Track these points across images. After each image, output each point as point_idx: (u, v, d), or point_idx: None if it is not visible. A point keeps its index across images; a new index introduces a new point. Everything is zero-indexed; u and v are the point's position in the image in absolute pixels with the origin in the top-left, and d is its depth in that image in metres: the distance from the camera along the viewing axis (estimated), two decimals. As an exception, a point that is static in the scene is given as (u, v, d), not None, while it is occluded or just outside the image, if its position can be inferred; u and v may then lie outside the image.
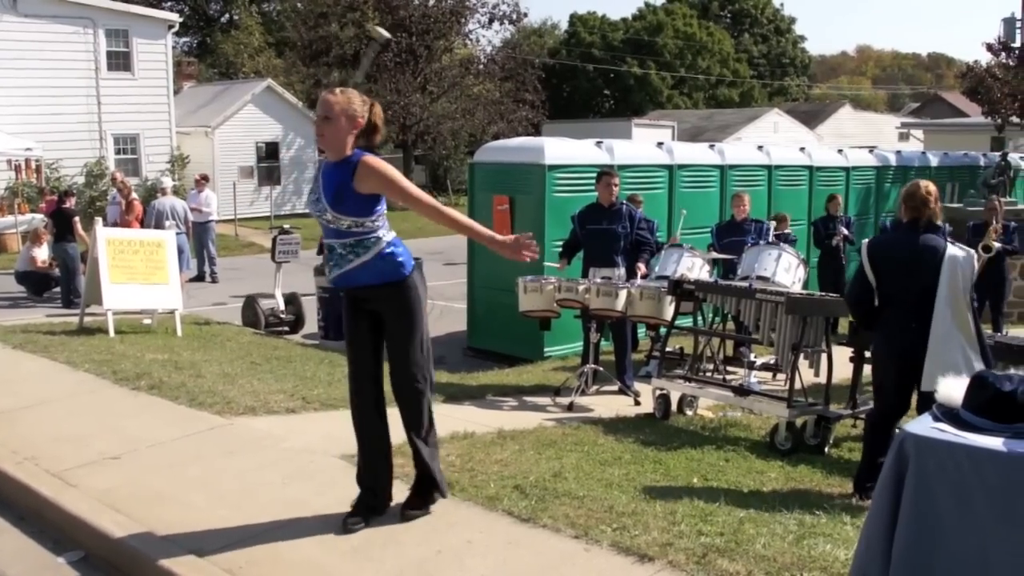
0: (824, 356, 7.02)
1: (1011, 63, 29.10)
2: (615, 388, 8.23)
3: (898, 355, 5.37)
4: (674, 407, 7.46)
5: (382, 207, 4.40)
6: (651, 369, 8.61)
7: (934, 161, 17.76)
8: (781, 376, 8.21)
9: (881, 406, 5.55)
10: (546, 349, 10.15)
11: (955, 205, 15.29)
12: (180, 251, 13.10)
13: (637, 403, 7.88)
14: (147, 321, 10.62)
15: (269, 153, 29.79)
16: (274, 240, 12.59)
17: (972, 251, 5.51)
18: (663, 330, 8.36)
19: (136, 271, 10.33)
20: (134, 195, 15.46)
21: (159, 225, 14.25)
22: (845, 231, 11.83)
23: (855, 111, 49.62)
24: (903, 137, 40.60)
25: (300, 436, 6.06)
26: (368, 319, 4.49)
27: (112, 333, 9.80)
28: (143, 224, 14.46)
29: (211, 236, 17.07)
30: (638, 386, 8.21)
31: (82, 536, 4.66)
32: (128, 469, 5.44)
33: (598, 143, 11.35)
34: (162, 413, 6.67)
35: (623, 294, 7.85)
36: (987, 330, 6.40)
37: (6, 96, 22.11)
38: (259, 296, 12.29)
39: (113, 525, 4.56)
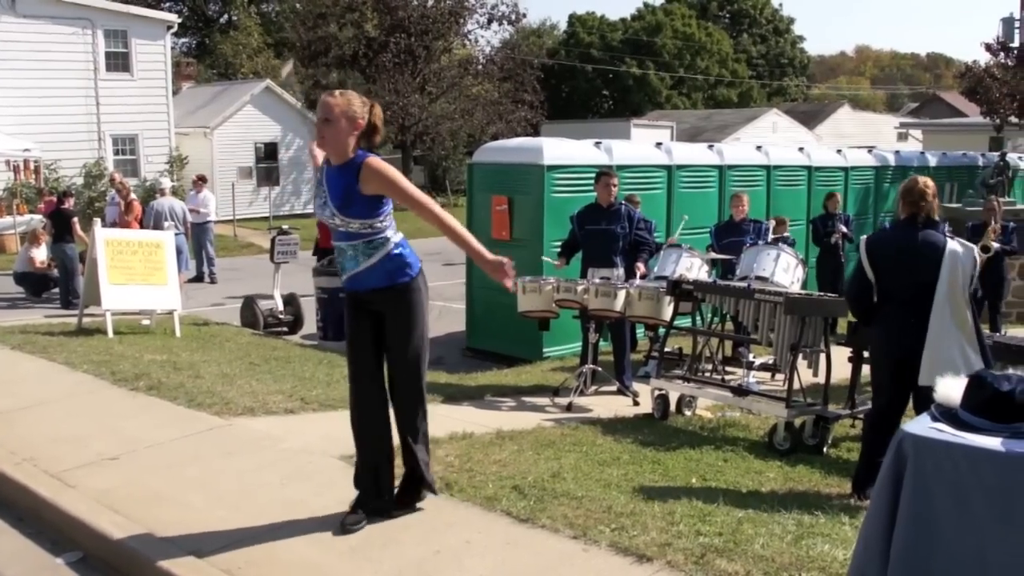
0: (823, 356, 7.03)
1: (1010, 63, 29.15)
2: (614, 388, 8.23)
3: (896, 351, 5.36)
4: (673, 407, 7.46)
5: (388, 207, 4.42)
6: (650, 369, 8.61)
7: (933, 161, 17.77)
8: (780, 376, 8.20)
9: (879, 404, 5.55)
10: (545, 349, 10.15)
11: (954, 205, 15.31)
12: (179, 252, 13.10)
13: (636, 403, 7.88)
14: (146, 322, 10.62)
15: (268, 154, 29.79)
16: (273, 241, 12.59)
17: (973, 245, 5.50)
18: (662, 330, 8.36)
19: (135, 272, 10.32)
20: (133, 196, 15.46)
21: (158, 226, 14.25)
22: (844, 229, 11.83)
23: (854, 111, 49.64)
24: (902, 137, 40.63)
25: (299, 437, 6.06)
26: (370, 319, 4.50)
27: (111, 334, 9.79)
28: (142, 225, 14.45)
29: (209, 237, 17.06)
30: (637, 386, 8.21)
31: (81, 537, 4.66)
32: (127, 470, 5.43)
33: (597, 143, 11.35)
34: (161, 414, 6.67)
35: (622, 294, 7.85)
36: (985, 330, 6.39)
37: (4, 97, 22.09)
38: (257, 297, 12.29)
39: (111, 526, 4.55)
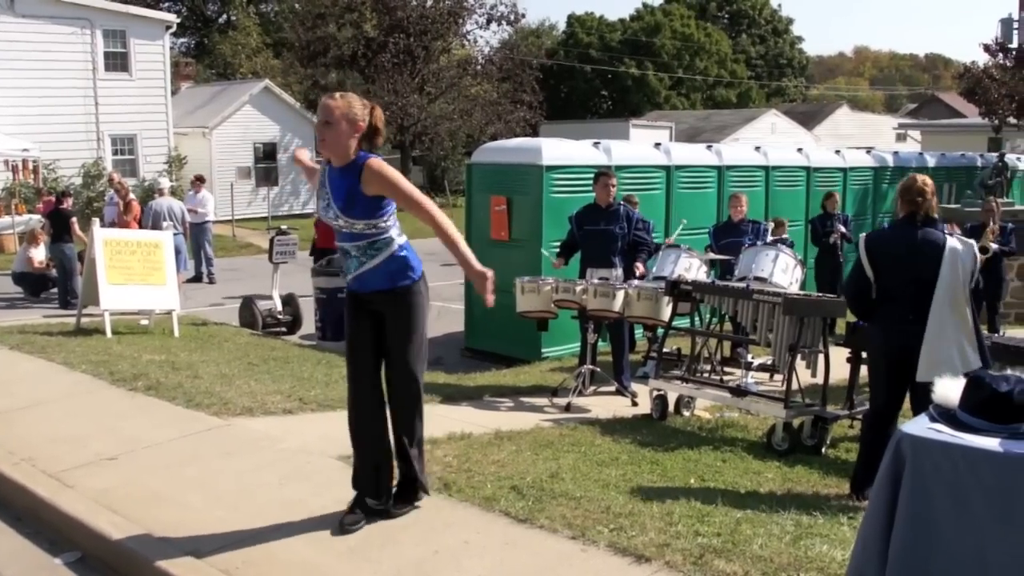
0: (821, 357, 7.03)
1: (1008, 64, 29.16)
2: (612, 389, 8.23)
3: (894, 349, 5.35)
4: (671, 408, 7.46)
5: (392, 206, 4.42)
6: (648, 370, 8.61)
7: (931, 162, 17.78)
8: (778, 377, 8.21)
9: (876, 404, 5.55)
10: (543, 350, 10.15)
11: (952, 206, 15.33)
12: (177, 252, 13.09)
13: (634, 404, 7.88)
14: (144, 322, 10.61)
15: (267, 154, 29.78)
16: (271, 241, 12.59)
17: (973, 242, 5.50)
18: (660, 331, 8.36)
19: (133, 272, 10.32)
20: (131, 196, 15.46)
21: (156, 226, 14.24)
22: (842, 229, 11.83)
23: (852, 112, 49.67)
24: (900, 138, 40.66)
25: (297, 437, 6.06)
26: (370, 319, 4.50)
27: (109, 334, 9.79)
28: (141, 225, 14.45)
29: (208, 237, 17.06)
30: (635, 387, 8.20)
31: (79, 537, 4.66)
32: (125, 470, 5.43)
33: (596, 144, 11.34)
34: (159, 414, 6.67)
35: (620, 295, 7.86)
36: (984, 331, 6.39)
37: (3, 97, 22.09)
38: (256, 297, 12.29)
39: (110, 526, 4.55)
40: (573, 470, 5.46)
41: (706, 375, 8.37)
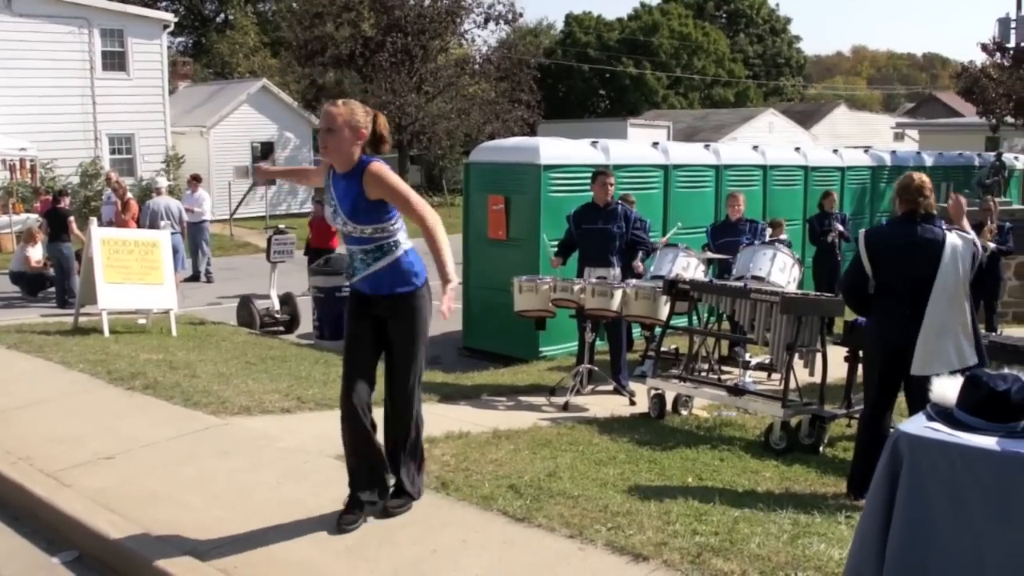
0: (819, 356, 7.03)
1: (1006, 63, 29.19)
2: (610, 388, 8.23)
3: (890, 343, 5.35)
4: (669, 407, 7.46)
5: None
6: (646, 369, 8.62)
7: (929, 161, 17.78)
8: (776, 376, 8.22)
9: (872, 402, 5.55)
10: (541, 349, 10.15)
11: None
12: (175, 251, 13.09)
13: (632, 403, 7.88)
14: (142, 321, 10.61)
15: (264, 153, 29.76)
16: (269, 240, 12.59)
17: (972, 235, 5.49)
18: (658, 330, 8.36)
19: (131, 271, 10.31)
20: (129, 195, 15.45)
21: (154, 225, 14.22)
22: (840, 228, 11.83)
23: (850, 111, 49.71)
24: (898, 137, 40.72)
25: (295, 436, 6.06)
26: (371, 320, 4.51)
27: (107, 333, 9.78)
28: (138, 224, 14.44)
29: (205, 236, 17.06)
30: (633, 386, 8.21)
31: (77, 536, 4.66)
32: (123, 469, 5.43)
33: (593, 143, 11.34)
34: (157, 413, 6.67)
35: (618, 294, 7.86)
36: (982, 330, 6.40)
37: (1, 96, 22.06)
38: (254, 296, 12.28)
39: (108, 525, 4.55)
40: (571, 469, 5.46)
41: (704, 374, 8.37)
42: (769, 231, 10.42)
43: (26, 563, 4.54)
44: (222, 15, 49.18)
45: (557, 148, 10.85)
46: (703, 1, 60.33)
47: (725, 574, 3.92)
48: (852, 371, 6.86)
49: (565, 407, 7.63)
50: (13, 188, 21.24)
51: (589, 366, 8.14)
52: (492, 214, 10.62)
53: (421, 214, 4.32)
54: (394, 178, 4.36)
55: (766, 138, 33.01)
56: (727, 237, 9.91)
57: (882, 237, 5.50)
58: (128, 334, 10.00)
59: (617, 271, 8.42)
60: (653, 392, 7.43)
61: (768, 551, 4.14)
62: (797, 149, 15.02)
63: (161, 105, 26.05)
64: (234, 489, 5.08)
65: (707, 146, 13.24)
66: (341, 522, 4.43)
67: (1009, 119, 30.02)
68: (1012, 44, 28.49)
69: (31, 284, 14.04)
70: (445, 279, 4.24)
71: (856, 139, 37.79)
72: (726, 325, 9.02)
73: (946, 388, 3.48)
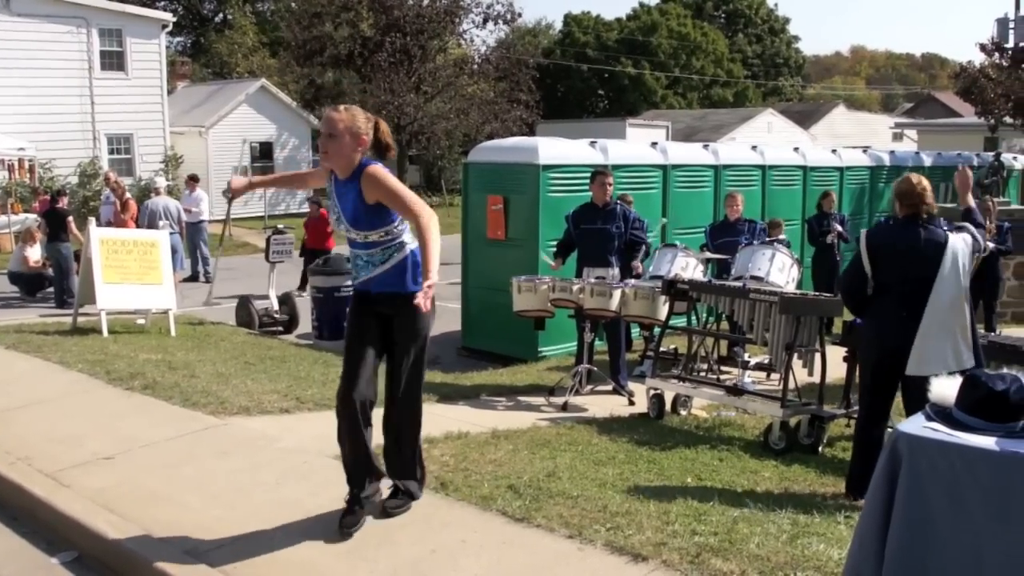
0: (818, 356, 7.03)
1: (1004, 63, 29.20)
2: (609, 388, 8.23)
3: (886, 343, 5.35)
4: (668, 407, 7.46)
5: None
6: (645, 369, 8.61)
7: (928, 161, 17.80)
8: (775, 376, 8.22)
9: (866, 400, 5.55)
10: (540, 349, 10.15)
11: (949, 205, 15.32)
12: (174, 251, 13.09)
13: (631, 403, 7.88)
14: (141, 321, 10.61)
15: (263, 153, 29.76)
16: (268, 240, 12.59)
17: (971, 232, 5.47)
18: (657, 330, 8.36)
19: (130, 271, 10.31)
20: (128, 195, 15.44)
21: (152, 225, 14.24)
22: (839, 228, 11.83)
23: (849, 111, 49.72)
24: (897, 137, 40.76)
25: (294, 436, 6.06)
26: (375, 319, 4.51)
27: (105, 333, 9.78)
28: (137, 224, 14.44)
29: (203, 236, 17.06)
30: (632, 386, 8.21)
31: (76, 536, 4.65)
32: (122, 469, 5.43)
33: (592, 143, 11.34)
34: (156, 413, 6.66)
35: (617, 294, 7.86)
36: (980, 330, 6.40)
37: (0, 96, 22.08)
38: (253, 296, 12.28)
39: (107, 525, 4.55)
40: (570, 469, 5.46)
41: (703, 374, 8.37)
42: (767, 230, 10.42)
43: (25, 563, 4.54)
44: (221, 15, 49.16)
45: (556, 148, 10.85)
46: (702, 1, 60.33)
47: (724, 574, 3.93)
48: (851, 371, 6.86)
49: (564, 407, 7.63)
50: (12, 188, 21.23)
51: (588, 366, 8.14)
52: (491, 214, 10.62)
53: (417, 212, 4.30)
54: (391, 179, 4.35)
55: (765, 138, 33.02)
56: (726, 237, 9.92)
57: (884, 237, 5.49)
58: (127, 334, 10.00)
59: (616, 271, 8.42)
60: (652, 392, 7.44)
61: (767, 551, 4.15)
62: (796, 149, 15.03)
63: (160, 105, 26.05)
64: (233, 489, 5.08)
65: (706, 146, 13.24)
66: (343, 524, 4.41)
67: (1008, 119, 30.03)
68: (1010, 44, 28.50)
69: (30, 284, 14.03)
70: (425, 276, 4.16)
71: (855, 139, 37.82)
72: (725, 325, 9.03)
73: (945, 388, 3.48)
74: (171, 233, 12.76)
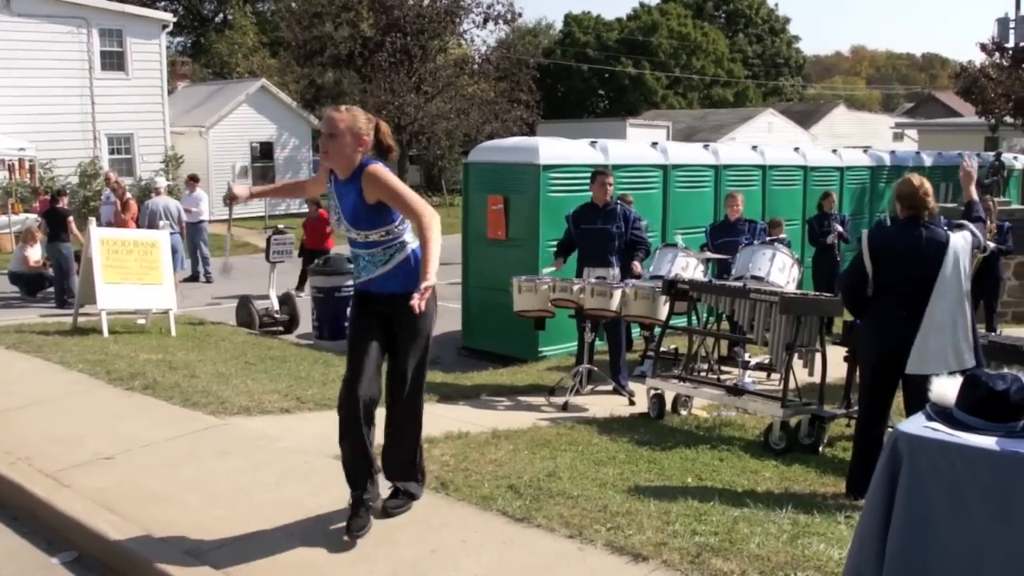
0: (818, 356, 7.03)
1: (1005, 63, 29.20)
2: (610, 388, 8.23)
3: (886, 344, 5.34)
4: (669, 407, 7.46)
5: None
6: (646, 369, 8.61)
7: (928, 161, 17.79)
8: (775, 376, 8.22)
9: (866, 400, 5.55)
10: (541, 349, 10.15)
11: (949, 205, 15.33)
12: (174, 251, 13.09)
13: (632, 403, 7.88)
14: (141, 321, 10.61)
15: (264, 153, 29.77)
16: (268, 240, 12.59)
17: (971, 231, 5.46)
18: (657, 330, 8.36)
19: (130, 271, 10.31)
20: (128, 195, 15.45)
21: (153, 225, 14.24)
22: (840, 229, 11.83)
23: (849, 111, 49.70)
24: (897, 137, 40.74)
25: (294, 436, 6.06)
26: (377, 319, 4.50)
27: (106, 333, 9.78)
28: (138, 224, 14.44)
29: (203, 236, 17.08)
30: (633, 386, 8.21)
31: (76, 536, 4.65)
32: (122, 469, 5.43)
33: (592, 143, 11.34)
34: (156, 413, 6.66)
35: (617, 294, 7.86)
36: (981, 330, 6.39)
37: (0, 96, 22.06)
38: (253, 296, 12.28)
39: (107, 525, 4.55)
40: (570, 469, 5.46)
41: (703, 374, 8.37)
42: (767, 229, 10.42)
43: (25, 563, 4.54)
44: (221, 15, 49.17)
45: (556, 148, 10.85)
46: (702, 1, 60.34)
47: (725, 574, 3.93)
48: (851, 371, 6.85)
49: (564, 407, 7.63)
50: (12, 188, 21.24)
51: (588, 366, 8.14)
52: (491, 214, 10.62)
53: (418, 211, 4.29)
54: (392, 179, 4.34)
55: (765, 138, 33.01)
56: (726, 237, 9.92)
57: (885, 238, 5.49)
58: (127, 334, 10.00)
59: (616, 271, 8.42)
60: (652, 392, 7.44)
61: (768, 551, 4.15)
62: (796, 149, 15.03)
63: (160, 105, 26.05)
64: (233, 489, 5.08)
65: (706, 146, 13.24)
66: (351, 528, 4.34)
67: (1008, 119, 30.03)
68: (1011, 44, 28.51)
69: (30, 284, 14.03)
70: (423, 277, 4.16)
71: (855, 139, 37.80)
72: (725, 325, 9.02)
73: (945, 388, 3.48)
74: (171, 233, 12.77)
